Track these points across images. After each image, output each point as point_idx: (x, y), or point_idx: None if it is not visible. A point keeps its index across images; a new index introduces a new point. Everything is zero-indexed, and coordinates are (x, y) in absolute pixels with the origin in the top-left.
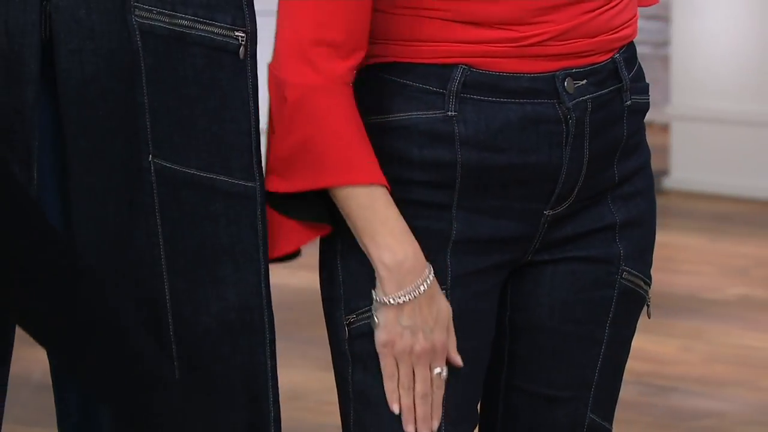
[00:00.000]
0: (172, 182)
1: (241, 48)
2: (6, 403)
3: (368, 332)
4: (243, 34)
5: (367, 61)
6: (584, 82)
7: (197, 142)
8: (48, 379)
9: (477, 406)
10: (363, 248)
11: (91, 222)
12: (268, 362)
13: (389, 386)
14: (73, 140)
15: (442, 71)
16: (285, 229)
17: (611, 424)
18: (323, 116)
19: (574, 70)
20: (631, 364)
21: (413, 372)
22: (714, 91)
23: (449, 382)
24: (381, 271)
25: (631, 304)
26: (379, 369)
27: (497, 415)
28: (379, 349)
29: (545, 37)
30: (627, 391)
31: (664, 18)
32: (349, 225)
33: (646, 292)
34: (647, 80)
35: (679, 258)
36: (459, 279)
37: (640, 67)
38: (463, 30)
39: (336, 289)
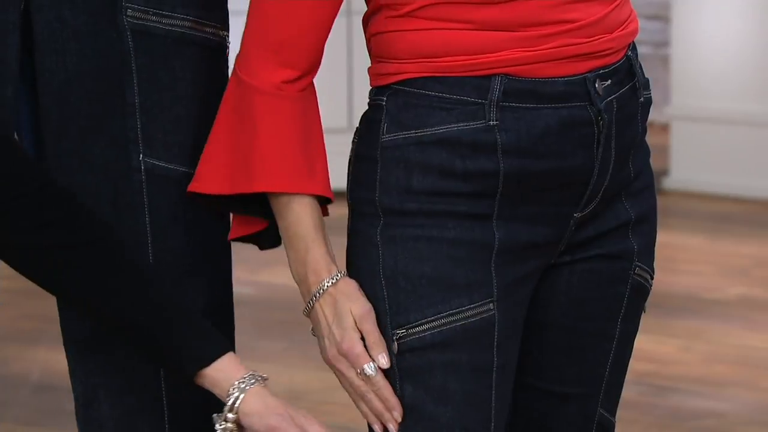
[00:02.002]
0: (163, 181)
1: (228, 48)
2: (5, 403)
3: (419, 347)
4: (227, 34)
5: (395, 77)
6: (609, 82)
7: (191, 140)
8: (47, 380)
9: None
10: None
11: None
12: None
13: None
14: (53, 140)
15: (479, 81)
16: (234, 218)
17: (615, 418)
18: (253, 116)
19: (600, 71)
20: (631, 364)
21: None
22: (714, 91)
23: (492, 405)
24: (297, 275)
25: (639, 298)
26: (430, 385)
27: (509, 412)
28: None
29: (571, 36)
30: (627, 391)
31: (664, 18)
32: None
33: (651, 285)
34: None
35: (679, 258)
36: (503, 290)
37: (641, 63)
38: (491, 38)
39: (380, 302)
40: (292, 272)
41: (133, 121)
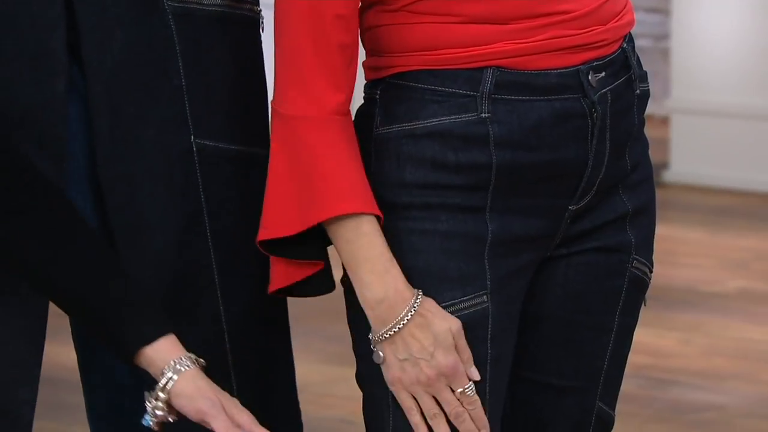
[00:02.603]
0: (214, 160)
1: (262, 22)
2: None
3: None
4: (260, 9)
5: (388, 71)
6: (603, 74)
7: (237, 117)
8: (47, 373)
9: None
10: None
11: (126, 209)
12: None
13: (413, 420)
14: (106, 130)
15: (471, 74)
16: (278, 267)
17: (614, 411)
18: (306, 148)
19: (594, 63)
20: (631, 358)
21: (435, 399)
22: (714, 84)
23: (486, 398)
24: (366, 309)
25: (637, 291)
26: None
27: (505, 406)
28: (390, 387)
29: (564, 27)
30: (627, 384)
31: (664, 11)
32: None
33: (650, 278)
34: (647, 74)
35: (679, 251)
36: (497, 282)
37: (638, 55)
38: (483, 31)
39: None
40: (364, 298)
41: (181, 104)
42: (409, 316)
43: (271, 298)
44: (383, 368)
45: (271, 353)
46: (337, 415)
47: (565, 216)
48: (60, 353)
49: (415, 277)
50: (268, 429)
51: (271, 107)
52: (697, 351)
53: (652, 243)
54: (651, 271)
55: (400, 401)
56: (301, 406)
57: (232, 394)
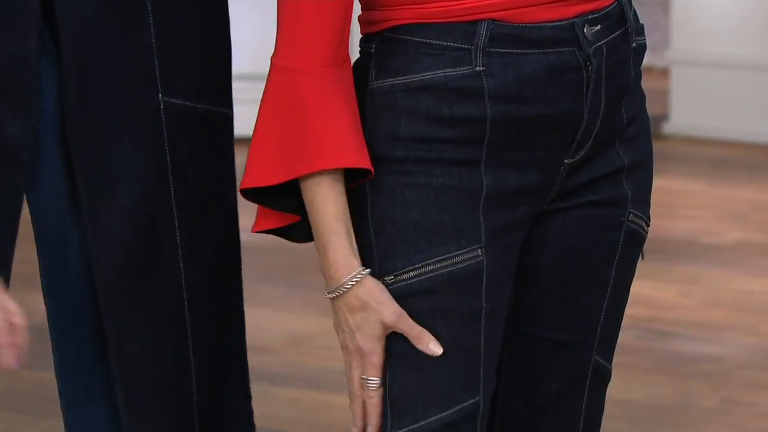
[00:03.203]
0: (181, 119)
1: None
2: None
3: (406, 294)
4: None
5: (383, 25)
6: (598, 27)
7: (206, 77)
8: (42, 322)
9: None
10: None
11: (94, 164)
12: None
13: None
14: (75, 84)
15: (465, 27)
16: (262, 209)
17: (611, 365)
18: (297, 99)
19: (590, 16)
20: (630, 310)
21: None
22: (714, 36)
23: (481, 351)
24: (320, 265)
25: (634, 246)
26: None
27: (502, 359)
28: None
29: None
30: (626, 337)
31: None
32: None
33: (646, 233)
34: (647, 25)
35: (679, 203)
36: (491, 236)
37: (634, 8)
38: None
39: (367, 249)
40: (317, 252)
41: (150, 61)
42: (341, 291)
43: (229, 258)
44: None
45: (226, 313)
46: (337, 367)
47: (560, 169)
48: None
49: (409, 231)
50: (219, 386)
51: (270, 61)
52: (696, 303)
53: (649, 197)
54: (647, 225)
55: None
56: (302, 358)
57: (187, 352)
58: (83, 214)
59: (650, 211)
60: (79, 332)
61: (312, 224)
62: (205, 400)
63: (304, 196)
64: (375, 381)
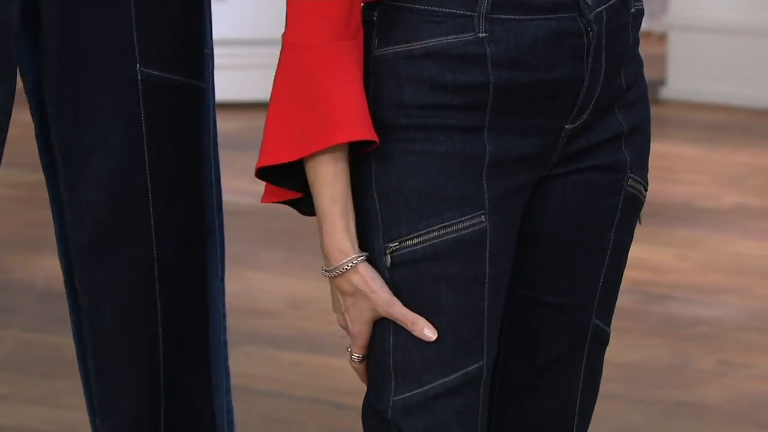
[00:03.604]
0: (159, 90)
1: None
2: (10, 310)
3: (411, 260)
4: None
5: None
6: None
7: (179, 49)
8: (51, 287)
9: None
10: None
11: (72, 134)
12: (219, 266)
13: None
14: (56, 53)
15: None
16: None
17: (610, 328)
18: (308, 75)
19: None
20: (627, 273)
21: None
22: (711, 1)
23: (485, 317)
24: (320, 243)
25: (632, 210)
26: (422, 298)
27: (503, 323)
28: None
29: None
30: (624, 300)
31: None
32: None
33: (645, 197)
34: None
35: (676, 167)
36: (494, 202)
37: None
38: None
39: (372, 216)
40: (318, 228)
41: (129, 32)
42: (335, 274)
43: (197, 231)
44: None
45: (191, 285)
46: (338, 331)
47: (561, 135)
48: (58, 266)
49: (414, 198)
50: (184, 360)
51: (282, 39)
52: (693, 266)
53: (647, 162)
54: (646, 190)
55: None
56: (303, 321)
57: (156, 323)
58: (60, 183)
59: (648, 175)
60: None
61: (314, 201)
62: (172, 373)
63: (307, 174)
64: (358, 356)
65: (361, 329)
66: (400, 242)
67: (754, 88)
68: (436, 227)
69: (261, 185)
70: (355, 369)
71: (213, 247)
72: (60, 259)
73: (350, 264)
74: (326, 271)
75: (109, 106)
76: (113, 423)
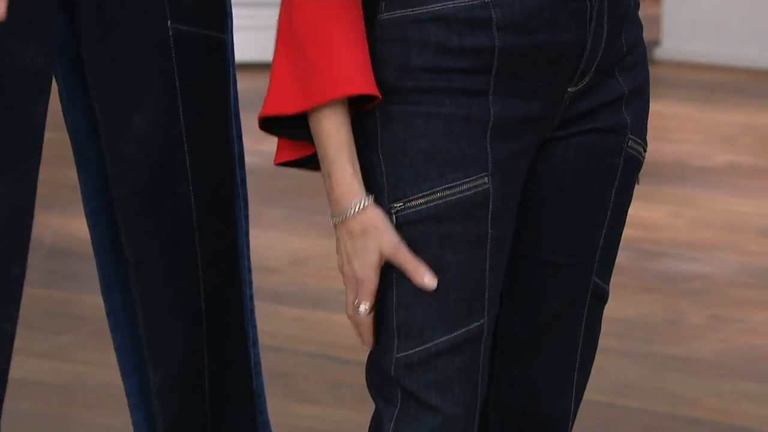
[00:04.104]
0: (188, 45)
1: None
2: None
3: (415, 220)
4: None
5: None
6: None
7: (204, 4)
8: (60, 244)
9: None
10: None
11: (110, 93)
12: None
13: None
14: (90, 15)
15: None
16: (283, 141)
17: (609, 286)
18: (310, 28)
19: None
20: None
21: None
22: None
23: (486, 276)
24: (326, 192)
25: (632, 171)
26: (425, 257)
27: (505, 283)
28: None
29: None
30: (618, 256)
31: None
32: None
33: (644, 158)
34: None
35: (670, 127)
36: (498, 164)
37: None
38: None
39: (377, 177)
40: (324, 179)
41: None
42: (344, 217)
43: (230, 184)
44: None
45: (224, 234)
46: (339, 287)
47: (563, 98)
48: (73, 226)
49: (419, 159)
50: (223, 308)
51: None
52: (686, 223)
53: (647, 123)
54: (645, 150)
55: None
56: (305, 278)
57: (197, 272)
58: (101, 141)
59: (647, 136)
60: (119, 254)
61: (318, 153)
62: (213, 322)
63: (310, 126)
64: (366, 306)
65: (370, 274)
66: (405, 202)
67: (748, 49)
68: (441, 188)
69: (264, 144)
70: (361, 324)
71: (237, 202)
72: (87, 216)
73: (361, 204)
74: (335, 216)
75: (145, 64)
76: (164, 371)
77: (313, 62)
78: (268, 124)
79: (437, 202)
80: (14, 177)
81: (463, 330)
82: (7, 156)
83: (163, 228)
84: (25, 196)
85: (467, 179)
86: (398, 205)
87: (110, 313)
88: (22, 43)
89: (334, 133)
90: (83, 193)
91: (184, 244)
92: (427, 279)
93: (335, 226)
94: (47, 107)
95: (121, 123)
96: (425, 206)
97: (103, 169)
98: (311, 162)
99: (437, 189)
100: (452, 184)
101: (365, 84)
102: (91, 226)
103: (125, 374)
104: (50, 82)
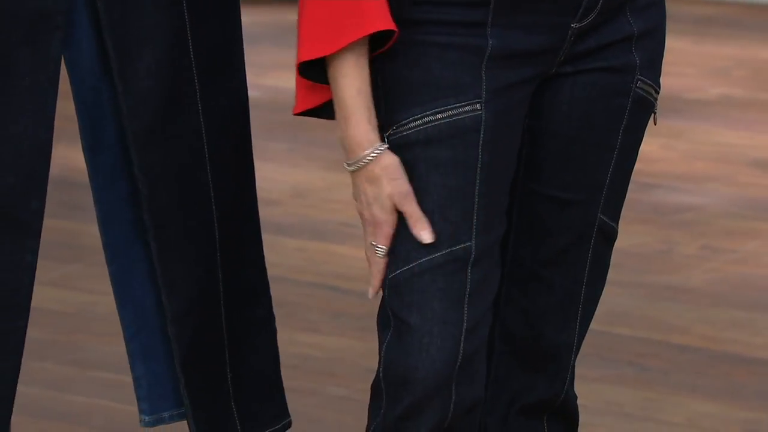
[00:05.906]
0: None
1: None
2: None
3: (404, 144)
4: None
5: None
6: None
7: None
8: (66, 176)
9: (504, 213)
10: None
11: (120, 27)
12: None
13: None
14: None
15: None
16: (302, 91)
17: (617, 225)
18: None
19: None
20: None
21: None
22: None
23: (475, 200)
24: (339, 138)
25: (642, 111)
26: (414, 177)
27: (512, 215)
28: None
29: None
30: None
31: None
32: None
33: (656, 99)
34: None
35: (664, 60)
36: (494, 93)
37: None
38: None
39: (379, 110)
40: (339, 126)
41: None
42: (360, 165)
43: (241, 115)
44: None
45: (237, 163)
46: (339, 219)
47: (567, 34)
48: (79, 158)
49: (413, 86)
50: (236, 235)
51: None
52: (679, 155)
53: (660, 65)
54: (657, 92)
55: None
56: (306, 210)
57: (210, 202)
58: (113, 75)
59: (660, 78)
60: (117, 188)
61: (334, 99)
62: (227, 248)
63: (328, 72)
64: (383, 249)
65: (388, 218)
66: (396, 127)
67: None
68: (431, 112)
69: (265, 78)
70: (375, 264)
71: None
72: (83, 151)
73: (376, 152)
74: (352, 163)
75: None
76: (178, 298)
77: (342, 3)
78: (304, 69)
79: (426, 126)
80: (33, 111)
81: (447, 251)
82: (25, 90)
83: (174, 158)
84: (44, 130)
85: (458, 104)
86: (391, 130)
87: (107, 245)
88: None
89: (353, 80)
90: (80, 129)
91: (196, 172)
92: (424, 233)
93: (351, 172)
94: (62, 43)
95: (132, 55)
96: (414, 130)
97: (99, 103)
98: (329, 111)
99: (427, 113)
100: (442, 108)
101: (391, 20)
102: (88, 161)
103: (121, 307)
104: (64, 18)
